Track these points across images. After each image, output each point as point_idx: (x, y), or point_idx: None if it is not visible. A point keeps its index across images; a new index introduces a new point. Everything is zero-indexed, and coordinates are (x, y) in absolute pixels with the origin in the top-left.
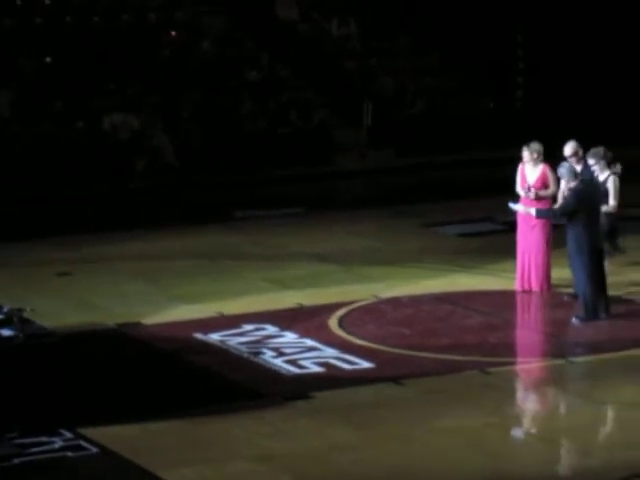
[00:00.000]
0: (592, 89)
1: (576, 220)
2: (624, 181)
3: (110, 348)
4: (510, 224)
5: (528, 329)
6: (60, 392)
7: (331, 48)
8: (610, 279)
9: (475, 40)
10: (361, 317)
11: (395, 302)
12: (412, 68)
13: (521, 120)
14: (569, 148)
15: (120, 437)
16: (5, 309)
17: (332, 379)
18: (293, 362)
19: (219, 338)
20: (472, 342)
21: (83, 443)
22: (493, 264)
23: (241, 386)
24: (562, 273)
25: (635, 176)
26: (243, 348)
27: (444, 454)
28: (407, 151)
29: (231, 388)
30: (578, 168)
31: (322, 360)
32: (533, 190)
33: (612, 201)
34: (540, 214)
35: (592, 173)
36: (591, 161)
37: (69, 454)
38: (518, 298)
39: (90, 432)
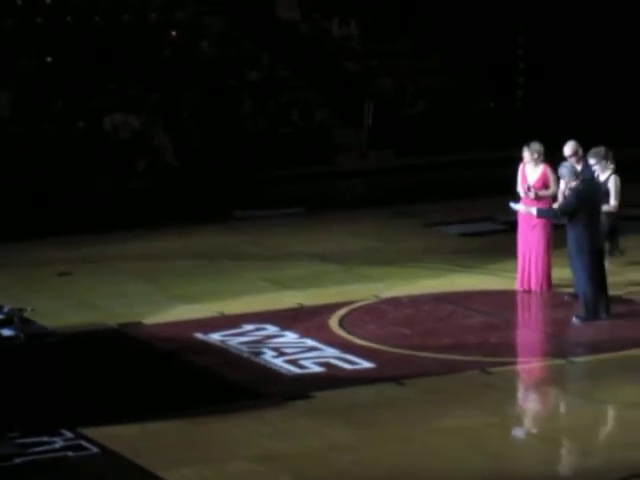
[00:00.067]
0: (592, 89)
1: (577, 220)
2: (624, 181)
3: (111, 348)
4: (511, 224)
5: (529, 329)
6: (61, 392)
7: (332, 48)
8: (610, 279)
9: (476, 41)
10: (362, 317)
11: (396, 302)
12: (413, 69)
13: (521, 120)
14: (569, 148)
15: (120, 437)
16: (6, 309)
17: (332, 379)
18: (294, 362)
19: (219, 338)
20: (473, 342)
21: (84, 443)
22: (494, 264)
23: (241, 386)
24: (563, 273)
25: (635, 176)
26: (243, 348)
27: (444, 454)
28: (407, 151)
29: (231, 388)
30: (578, 168)
31: (323, 360)
32: (533, 190)
33: (613, 201)
34: (541, 214)
35: (592, 173)
36: (592, 161)
37: (70, 454)
38: (519, 298)
39: (91, 432)
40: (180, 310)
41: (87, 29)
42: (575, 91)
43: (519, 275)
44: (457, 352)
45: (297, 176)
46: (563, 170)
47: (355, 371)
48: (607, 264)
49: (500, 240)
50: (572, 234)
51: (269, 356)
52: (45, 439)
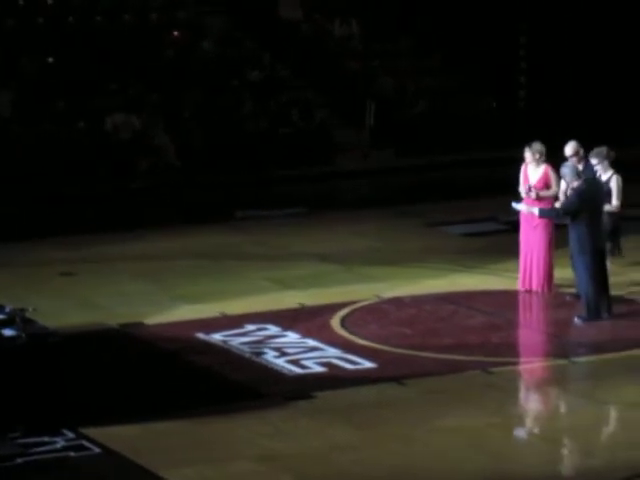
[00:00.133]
0: (594, 89)
1: (579, 220)
2: (626, 181)
3: (112, 348)
4: (513, 224)
5: (530, 329)
6: (63, 392)
7: (333, 48)
8: (612, 279)
9: (477, 41)
10: (363, 317)
11: (397, 302)
12: (414, 69)
13: (523, 120)
14: (570, 148)
15: (122, 437)
16: (7, 309)
17: (334, 379)
18: (295, 362)
19: (221, 338)
20: (474, 342)
21: (85, 443)
22: (495, 264)
23: (243, 386)
24: (564, 273)
25: (636, 176)
26: (245, 348)
27: (445, 454)
28: (408, 151)
29: (233, 388)
30: (580, 168)
31: (324, 360)
32: (534, 190)
33: (615, 201)
34: (543, 214)
35: (594, 172)
36: (594, 161)
37: (71, 454)
38: (520, 298)
39: (92, 432)
40: (182, 310)
41: (88, 29)
42: (577, 91)
43: (521, 275)
44: (459, 352)
45: (298, 176)
46: (565, 170)
47: (357, 371)
48: (609, 264)
49: (502, 240)
50: (574, 234)
51: (271, 356)
52: (47, 439)
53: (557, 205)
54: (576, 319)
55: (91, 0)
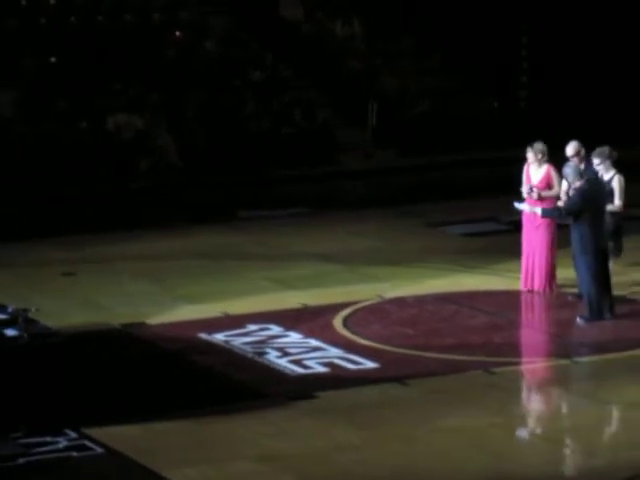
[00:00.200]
0: (595, 89)
1: (581, 220)
2: (628, 181)
3: (114, 348)
4: (515, 224)
5: (533, 329)
6: (65, 392)
7: (335, 48)
8: (614, 279)
9: (479, 41)
10: (366, 317)
11: (400, 302)
12: (416, 69)
13: (525, 120)
14: (571, 148)
15: (124, 437)
16: (10, 309)
17: (336, 379)
18: (298, 362)
19: (223, 338)
20: (477, 342)
21: (88, 443)
22: (497, 264)
23: (245, 386)
24: (567, 273)
25: (638, 176)
26: (247, 348)
27: (448, 454)
28: (410, 151)
29: (235, 388)
30: (582, 168)
31: (327, 360)
32: (536, 190)
33: (617, 201)
34: (546, 213)
35: (595, 173)
36: (596, 160)
37: (74, 454)
38: (523, 298)
39: (95, 432)
40: (184, 310)
41: (90, 29)
42: (578, 91)
43: (523, 275)
44: (461, 352)
45: (301, 176)
46: (567, 170)
47: (359, 371)
48: (611, 264)
49: (504, 240)
50: (576, 234)
51: (273, 356)
52: (49, 439)
53: (560, 204)
54: (578, 319)
55: (93, 0)
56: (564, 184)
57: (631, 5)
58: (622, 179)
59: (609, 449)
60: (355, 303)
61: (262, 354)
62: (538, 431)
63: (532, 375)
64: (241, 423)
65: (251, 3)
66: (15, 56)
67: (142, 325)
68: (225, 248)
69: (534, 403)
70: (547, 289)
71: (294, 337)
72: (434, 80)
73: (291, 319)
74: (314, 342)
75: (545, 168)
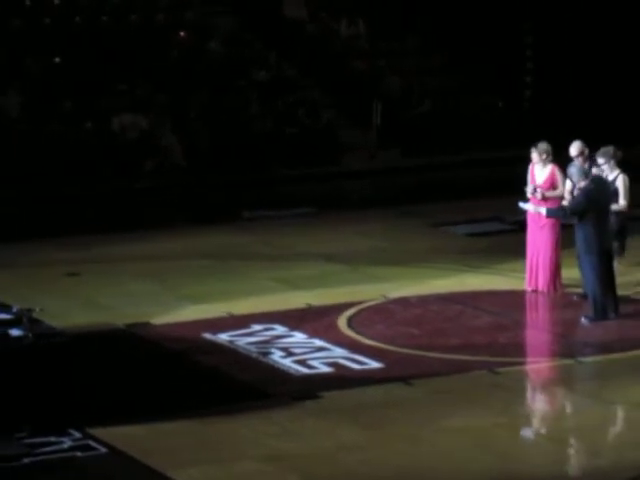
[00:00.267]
0: (600, 89)
1: (586, 220)
2: (632, 181)
3: (119, 348)
4: (520, 224)
5: (537, 329)
6: (69, 392)
7: (339, 48)
8: (618, 279)
9: (483, 40)
10: (370, 317)
11: (404, 302)
12: (420, 68)
13: (529, 120)
14: (575, 148)
15: (129, 437)
16: (15, 309)
17: (341, 379)
18: (302, 362)
19: (228, 338)
20: (481, 342)
21: (92, 443)
22: (501, 264)
23: (249, 386)
24: (571, 273)
25: None
26: (252, 348)
27: (452, 454)
28: (414, 151)
29: (239, 388)
30: (586, 167)
31: (331, 360)
32: (540, 190)
33: (622, 200)
34: (550, 213)
35: (600, 172)
36: (601, 160)
37: (78, 454)
38: (527, 298)
39: (99, 432)
40: (188, 310)
41: (95, 29)
42: (582, 91)
43: (527, 275)
44: (465, 352)
45: (304, 176)
46: (572, 170)
47: (363, 371)
48: (616, 264)
49: (508, 240)
50: (581, 234)
51: (277, 356)
52: (53, 439)
53: (565, 203)
54: (583, 319)
55: (98, 0)
56: (568, 184)
57: (635, 5)
58: (627, 179)
59: (613, 449)
60: (359, 303)
61: (266, 354)
62: (542, 431)
63: (536, 375)
64: (245, 423)
65: (255, 3)
66: (20, 56)
67: (146, 325)
68: (229, 248)
69: (538, 403)
70: (551, 289)
71: (298, 337)
72: (438, 80)
73: (295, 319)
74: (318, 342)
75: (550, 168)
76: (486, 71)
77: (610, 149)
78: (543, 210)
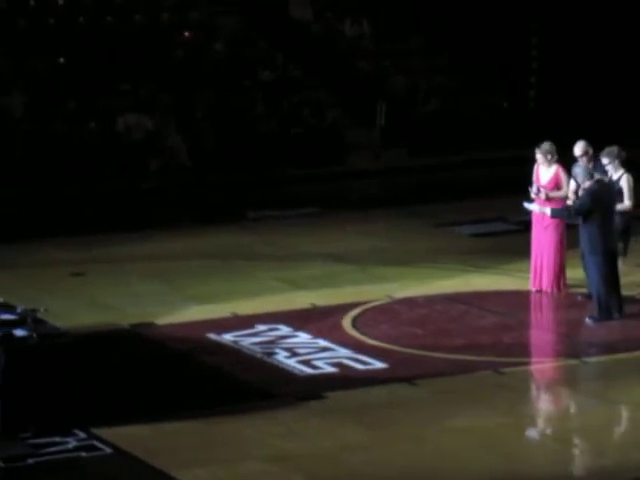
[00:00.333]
0: (605, 89)
1: (591, 220)
2: (637, 181)
3: (123, 348)
4: (525, 224)
5: (542, 329)
6: (74, 392)
7: (344, 48)
8: (623, 279)
9: (488, 40)
10: (375, 317)
11: (409, 302)
12: (425, 68)
13: (534, 120)
14: (579, 148)
15: (134, 437)
16: (19, 310)
17: (345, 379)
18: (306, 362)
19: (232, 338)
20: (486, 342)
21: (97, 443)
22: (507, 264)
23: (254, 386)
24: (575, 273)
25: None
26: (256, 348)
27: (456, 454)
28: (419, 151)
29: (244, 388)
30: (591, 167)
31: (335, 360)
32: (543, 190)
33: (627, 200)
34: (555, 213)
35: (604, 172)
36: (605, 160)
37: (83, 454)
38: (532, 298)
39: (104, 432)
40: (193, 310)
41: (99, 29)
42: (587, 91)
43: (532, 275)
44: (470, 352)
45: (310, 176)
46: (577, 170)
47: (368, 371)
48: (620, 264)
49: (513, 240)
50: (585, 234)
51: (282, 356)
52: (58, 439)
53: (569, 202)
54: (587, 319)
55: (102, 0)
56: (572, 184)
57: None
58: (631, 179)
59: (618, 449)
60: (364, 303)
61: (271, 354)
62: (547, 431)
63: (541, 375)
64: (250, 423)
65: (261, 3)
66: (24, 56)
67: (151, 325)
68: (234, 248)
69: (543, 403)
70: (555, 289)
71: (303, 337)
72: (443, 79)
73: (300, 319)
74: (323, 342)
75: (554, 168)
76: (491, 71)
77: (614, 149)
78: (548, 210)
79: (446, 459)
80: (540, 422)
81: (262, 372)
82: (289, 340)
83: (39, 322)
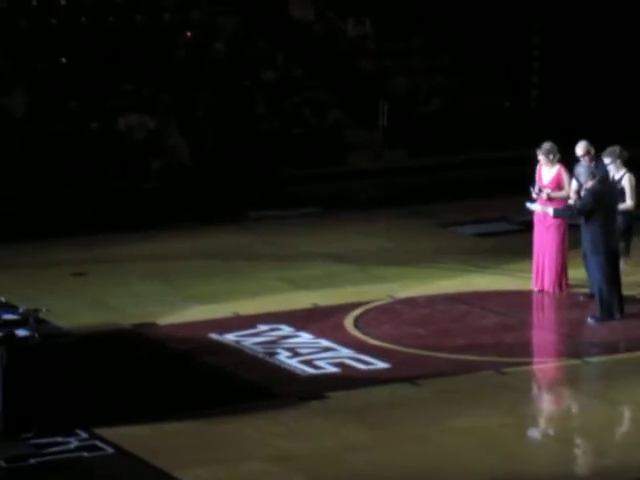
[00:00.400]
0: (607, 89)
1: (593, 220)
2: (638, 181)
3: (125, 348)
4: (527, 224)
5: (544, 329)
6: (76, 392)
7: (346, 48)
8: (624, 279)
9: (490, 40)
10: (377, 317)
11: (410, 302)
12: (426, 68)
13: (536, 120)
14: (580, 148)
15: (135, 437)
16: (21, 310)
17: (347, 379)
18: (308, 362)
19: (234, 338)
20: (488, 342)
21: (98, 443)
22: (508, 264)
23: (256, 386)
24: (577, 273)
25: None
26: (258, 348)
27: (458, 454)
28: (420, 151)
29: (246, 388)
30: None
31: (337, 360)
32: (545, 190)
33: (629, 200)
34: (558, 213)
35: (606, 172)
36: (607, 160)
37: (85, 454)
38: (534, 298)
39: (105, 432)
40: (194, 310)
41: (101, 30)
42: (589, 91)
43: (533, 275)
44: (472, 352)
45: (311, 176)
46: (580, 169)
47: (370, 371)
48: (622, 264)
49: (515, 240)
50: (588, 234)
51: (284, 356)
52: (60, 439)
53: (570, 202)
54: (589, 319)
55: (104, 0)
56: (574, 184)
57: None
58: (633, 178)
59: (620, 449)
60: (366, 303)
61: (273, 354)
62: (549, 431)
63: (543, 375)
64: (252, 423)
65: (262, 3)
66: (25, 56)
67: (153, 325)
68: (235, 248)
69: (545, 403)
70: (557, 289)
71: (305, 337)
72: (445, 80)
73: (302, 319)
74: (325, 342)
75: (557, 169)
76: (493, 71)
77: (616, 149)
78: (550, 210)
79: (448, 459)
80: (542, 422)
81: (264, 372)
82: (291, 340)
83: (41, 322)
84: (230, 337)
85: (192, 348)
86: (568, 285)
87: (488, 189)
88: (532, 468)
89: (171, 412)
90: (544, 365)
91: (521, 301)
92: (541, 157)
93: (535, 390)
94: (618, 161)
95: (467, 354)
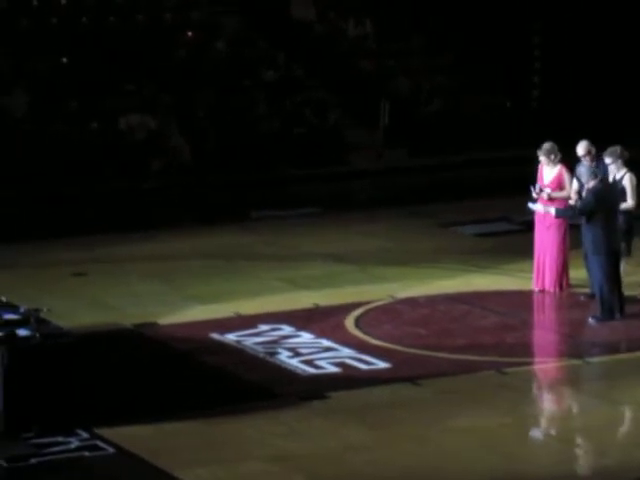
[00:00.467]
0: (608, 89)
1: (594, 220)
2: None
3: (126, 348)
4: (528, 224)
5: (544, 329)
6: (77, 392)
7: (347, 48)
8: (625, 279)
9: (491, 40)
10: (377, 317)
11: (411, 302)
12: (427, 68)
13: (536, 120)
14: (581, 148)
15: (136, 437)
16: (22, 309)
17: (348, 379)
18: (309, 362)
19: (235, 338)
20: (488, 342)
21: (99, 443)
22: (509, 264)
23: (257, 386)
24: (578, 273)
25: None
26: (259, 348)
27: (458, 454)
28: (421, 151)
29: (247, 388)
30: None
31: (338, 360)
32: (546, 190)
33: (630, 200)
34: (559, 213)
35: (607, 172)
36: (608, 160)
37: (85, 454)
38: (534, 298)
39: (106, 432)
40: (195, 310)
41: (102, 29)
42: (590, 91)
43: (534, 275)
44: (472, 352)
45: (311, 176)
46: (582, 169)
47: (370, 371)
48: (623, 264)
49: (515, 240)
50: (589, 234)
51: (285, 356)
52: (61, 439)
53: (571, 202)
54: (590, 319)
55: (104, 0)
56: (575, 184)
57: None
58: (634, 178)
59: (621, 449)
60: (367, 303)
61: (273, 354)
62: (549, 431)
63: (544, 375)
64: (252, 423)
65: (262, 3)
66: (26, 56)
67: (153, 325)
68: (236, 248)
69: (546, 403)
70: (558, 289)
71: (306, 337)
72: (445, 80)
73: (303, 319)
74: (326, 342)
75: (558, 169)
76: (494, 71)
77: (617, 149)
78: (552, 210)
79: (448, 459)
80: (542, 422)
81: (265, 372)
82: (292, 340)
83: (42, 322)
84: (231, 337)
85: (193, 348)
86: (569, 285)
87: (488, 189)
88: (532, 468)
89: (172, 412)
90: (545, 365)
91: (522, 301)
92: (542, 157)
93: (536, 390)
94: (619, 161)
95: (468, 354)
